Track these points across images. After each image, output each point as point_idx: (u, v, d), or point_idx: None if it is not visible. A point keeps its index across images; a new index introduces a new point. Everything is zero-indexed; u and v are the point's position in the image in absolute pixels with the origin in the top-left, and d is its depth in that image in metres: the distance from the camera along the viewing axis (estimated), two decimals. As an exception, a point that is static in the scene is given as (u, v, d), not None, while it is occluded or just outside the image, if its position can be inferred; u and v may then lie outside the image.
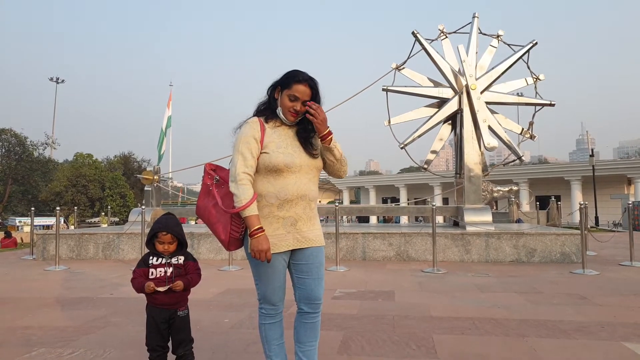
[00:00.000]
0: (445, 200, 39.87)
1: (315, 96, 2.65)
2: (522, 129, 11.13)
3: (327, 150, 2.71)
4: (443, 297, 5.64)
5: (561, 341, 3.86)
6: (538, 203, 17.62)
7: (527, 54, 11.03)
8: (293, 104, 2.61)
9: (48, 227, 28.93)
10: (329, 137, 2.65)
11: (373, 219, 37.09)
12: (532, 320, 4.52)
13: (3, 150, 37.15)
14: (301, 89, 2.60)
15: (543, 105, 11.13)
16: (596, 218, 29.24)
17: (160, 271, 2.93)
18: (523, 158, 11.00)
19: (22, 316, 4.84)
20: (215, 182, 2.70)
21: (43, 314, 4.95)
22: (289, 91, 2.61)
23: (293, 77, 2.62)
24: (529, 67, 11.14)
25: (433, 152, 11.36)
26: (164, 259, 2.95)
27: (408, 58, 11.05)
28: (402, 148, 10.88)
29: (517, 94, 11.25)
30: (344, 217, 20.47)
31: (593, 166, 31.73)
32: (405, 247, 9.10)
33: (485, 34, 11.14)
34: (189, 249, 3.15)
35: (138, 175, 12.48)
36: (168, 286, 2.90)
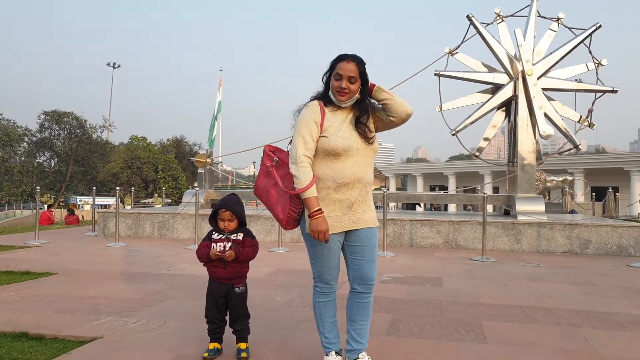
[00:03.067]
0: (496, 189, 38.84)
1: (362, 74, 2.69)
2: (580, 116, 10.73)
3: (378, 94, 2.77)
4: (492, 285, 5.60)
5: (616, 333, 3.78)
6: (594, 194, 16.95)
7: (589, 37, 10.56)
8: (339, 82, 2.67)
9: (106, 206, 30.34)
10: (374, 87, 2.76)
11: (419, 207, 36.65)
12: (585, 311, 4.44)
13: (65, 133, 39.01)
14: (344, 66, 2.66)
15: (604, 92, 10.67)
16: (658, 211, 27.83)
17: (220, 245, 3.10)
18: (580, 147, 10.63)
19: (89, 287, 5.18)
20: (274, 163, 2.80)
21: (107, 285, 5.27)
22: (334, 71, 2.69)
23: (337, 58, 2.72)
24: (590, 52, 10.67)
25: (485, 139, 11.15)
26: (223, 235, 3.11)
27: (462, 42, 10.80)
28: (453, 135, 10.71)
29: (576, 79, 10.81)
30: (392, 203, 20.38)
31: (656, 156, 30.12)
32: (454, 235, 9.02)
33: (544, 17, 10.74)
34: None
35: (191, 158, 12.89)
36: (219, 254, 3.05)
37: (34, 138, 38.88)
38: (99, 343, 3.37)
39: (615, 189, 16.78)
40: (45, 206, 24.93)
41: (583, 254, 8.44)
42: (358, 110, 2.76)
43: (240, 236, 3.14)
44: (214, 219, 3.14)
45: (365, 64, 2.71)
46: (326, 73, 2.76)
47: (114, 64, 57.38)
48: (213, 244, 3.11)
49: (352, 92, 2.69)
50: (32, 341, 3.39)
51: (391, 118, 2.79)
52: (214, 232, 3.15)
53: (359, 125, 2.73)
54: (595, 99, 10.88)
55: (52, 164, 40.08)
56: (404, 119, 2.79)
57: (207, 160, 11.49)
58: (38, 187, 10.50)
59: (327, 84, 2.77)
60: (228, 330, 3.18)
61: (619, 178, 35.63)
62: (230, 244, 3.10)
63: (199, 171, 11.74)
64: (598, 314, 4.35)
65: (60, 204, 36.89)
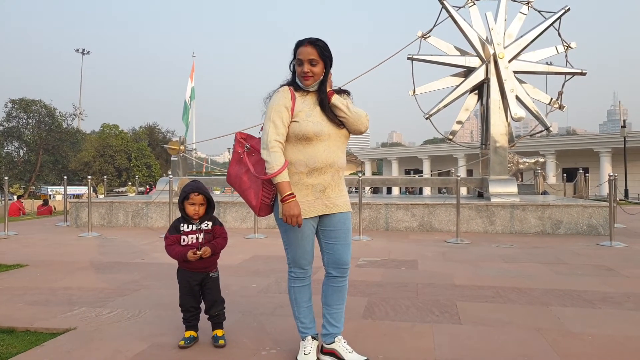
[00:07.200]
0: (469, 172, 39.46)
1: (322, 55, 2.68)
2: (551, 99, 10.91)
3: (334, 110, 2.74)
4: (466, 267, 5.69)
5: (586, 310, 3.89)
6: (565, 175, 17.33)
7: (558, 20, 10.69)
8: (301, 67, 2.67)
9: (78, 196, 29.73)
10: (332, 96, 2.72)
11: (395, 191, 37.03)
12: (556, 289, 4.55)
13: (34, 121, 37.93)
14: (302, 51, 2.66)
15: (573, 74, 10.85)
16: (626, 191, 28.62)
17: (192, 238, 3.05)
18: (551, 129, 10.81)
19: (62, 278, 5.09)
20: (246, 150, 2.78)
21: (81, 276, 5.18)
22: (297, 57, 2.69)
23: (296, 44, 2.71)
24: (560, 35, 10.82)
25: (458, 122, 11.25)
26: (194, 226, 3.06)
27: (434, 26, 10.83)
28: (427, 118, 10.79)
29: (547, 62, 10.97)
30: (367, 188, 20.50)
31: (624, 137, 30.89)
32: (428, 217, 9.12)
33: (515, 0, 10.82)
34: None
35: (165, 145, 12.73)
36: (199, 254, 3.01)
37: (1, 127, 37.72)
38: (73, 334, 3.31)
39: (586, 170, 17.21)
40: (15, 197, 24.31)
41: (555, 234, 8.64)
42: (320, 95, 2.74)
43: (210, 224, 3.11)
44: (182, 205, 3.08)
45: (324, 45, 2.69)
46: (292, 61, 2.75)
47: (83, 50, 55.97)
48: (183, 237, 3.06)
49: (315, 74, 2.68)
50: (3, 334, 3.32)
51: (346, 125, 2.78)
52: (182, 223, 3.08)
53: (327, 111, 2.72)
54: (565, 81, 11.07)
55: (21, 154, 38.99)
56: (356, 132, 2.79)
57: (181, 147, 11.34)
58: (6, 177, 10.21)
59: (294, 72, 2.77)
60: (203, 317, 3.16)
61: (589, 159, 36.53)
62: (202, 235, 3.05)
63: (172, 159, 11.59)
64: (569, 292, 4.46)
65: (34, 194, 36.03)
